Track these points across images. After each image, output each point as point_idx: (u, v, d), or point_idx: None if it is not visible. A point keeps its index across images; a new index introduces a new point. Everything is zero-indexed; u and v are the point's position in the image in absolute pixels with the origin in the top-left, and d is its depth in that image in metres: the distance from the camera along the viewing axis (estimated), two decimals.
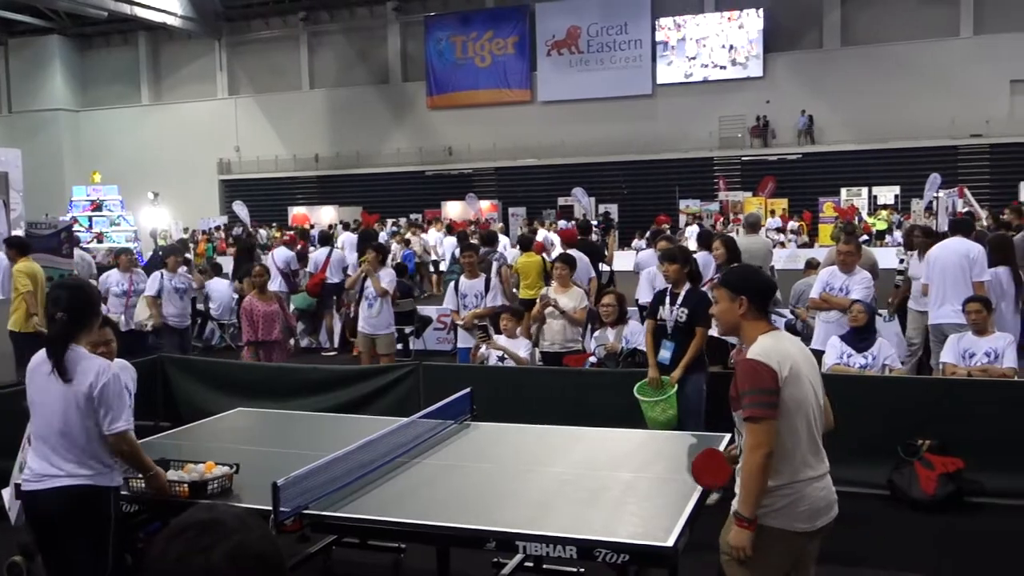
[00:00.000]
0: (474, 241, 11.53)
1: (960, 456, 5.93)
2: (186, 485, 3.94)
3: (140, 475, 3.88)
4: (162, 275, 9.10)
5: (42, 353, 3.68)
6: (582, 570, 4.40)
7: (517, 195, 32.95)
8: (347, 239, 15.29)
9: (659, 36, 32.87)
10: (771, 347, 3.27)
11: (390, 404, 6.82)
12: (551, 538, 3.32)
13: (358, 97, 35.77)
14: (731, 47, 31.95)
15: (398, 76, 36.13)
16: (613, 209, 30.45)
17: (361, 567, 5.01)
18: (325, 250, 12.37)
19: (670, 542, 3.22)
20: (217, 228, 29.48)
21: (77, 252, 12.88)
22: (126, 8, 31.18)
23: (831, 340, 6.96)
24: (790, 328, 9.96)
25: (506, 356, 7.35)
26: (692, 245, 10.21)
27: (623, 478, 4.06)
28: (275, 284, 12.49)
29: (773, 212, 28.46)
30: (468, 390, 5.26)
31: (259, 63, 37.31)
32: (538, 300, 7.77)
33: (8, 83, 39.51)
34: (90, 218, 24.52)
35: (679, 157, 31.74)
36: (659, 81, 32.96)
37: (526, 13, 34.16)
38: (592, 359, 7.18)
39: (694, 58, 32.50)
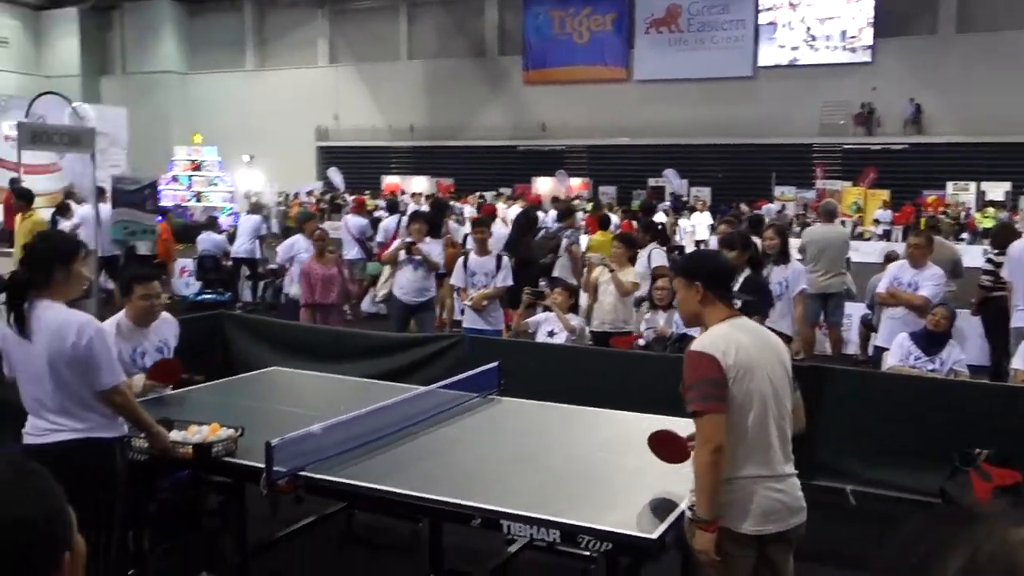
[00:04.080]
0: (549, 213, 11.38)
1: (1019, 470, 5.56)
2: (190, 447, 3.94)
3: (141, 433, 3.85)
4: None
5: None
6: (593, 566, 4.29)
7: (608, 174, 32.60)
8: (415, 209, 15.35)
9: (764, 17, 31.90)
10: (720, 336, 3.08)
11: (434, 374, 6.77)
12: (535, 520, 3.22)
13: (454, 69, 35.88)
14: (843, 33, 30.75)
15: (495, 50, 36.09)
16: (706, 193, 29.85)
17: (378, 533, 5.02)
18: (395, 218, 12.41)
19: (655, 534, 3.08)
20: (309, 192, 30.09)
21: (210, 237, 13.21)
22: None
23: (898, 338, 6.60)
24: (866, 323, 9.58)
25: (555, 332, 7.26)
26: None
27: (631, 465, 3.92)
28: (351, 252, 12.66)
29: (884, 204, 27.37)
30: (496, 364, 5.19)
31: (359, 32, 37.78)
32: (586, 266, 7.63)
33: (123, 45, 41.04)
34: (190, 177, 25.30)
35: (777, 142, 30.79)
36: (761, 63, 32.02)
37: None
38: (640, 342, 7.03)
39: (801, 40, 31.43)
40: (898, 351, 6.43)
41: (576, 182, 32.18)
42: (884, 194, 28.24)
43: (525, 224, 9.97)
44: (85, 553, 1.38)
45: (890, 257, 9.90)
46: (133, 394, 4.74)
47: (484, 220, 8.56)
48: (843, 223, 20.21)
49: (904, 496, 5.45)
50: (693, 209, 21.76)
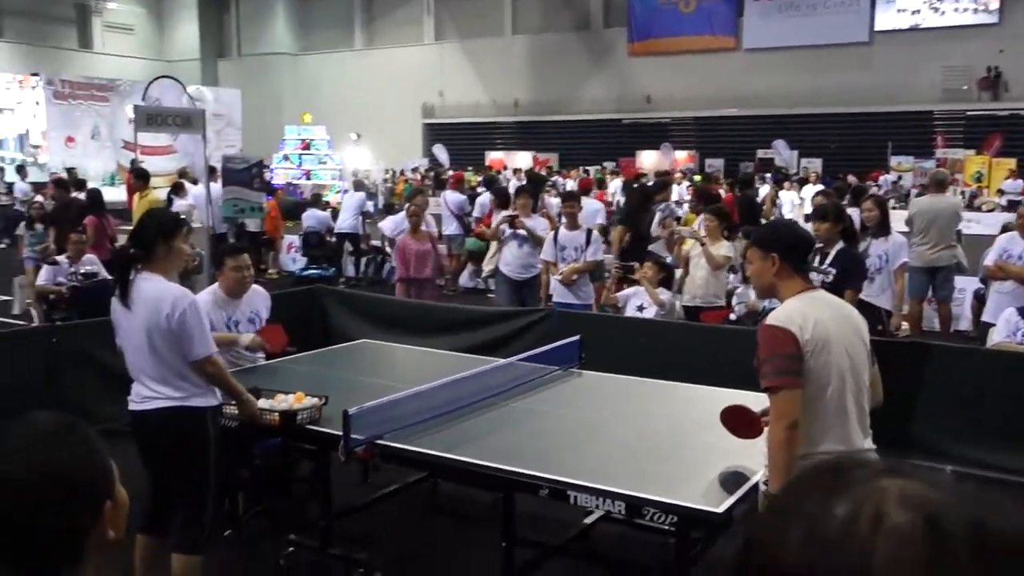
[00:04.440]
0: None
1: None
2: (277, 414, 4.11)
3: (232, 401, 4.02)
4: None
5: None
6: (672, 540, 4.27)
7: (715, 146, 31.90)
8: (513, 183, 15.40)
9: None
10: (796, 310, 3.00)
11: (522, 348, 6.82)
12: (601, 491, 3.24)
13: (559, 43, 35.68)
14: None
15: (599, 22, 35.69)
16: (817, 164, 28.88)
17: (462, 502, 5.11)
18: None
19: (721, 508, 3.06)
20: (414, 169, 30.55)
21: (314, 214, 13.66)
22: None
23: (1006, 313, 6.28)
24: (979, 298, 9.13)
25: (644, 306, 7.20)
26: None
27: (705, 439, 3.88)
28: (450, 227, 12.83)
29: (1011, 173, 25.79)
30: (577, 337, 5.20)
31: (464, 9, 37.95)
32: (675, 236, 7.51)
33: (239, 28, 42.45)
34: (300, 156, 26.04)
35: (895, 110, 29.43)
36: (878, 28, 30.63)
37: None
38: (732, 316, 6.90)
39: (922, 2, 29.89)
40: (1004, 327, 6.11)
41: (682, 155, 31.61)
42: (1010, 163, 26.68)
43: (641, 198, 9.85)
44: (127, 504, 1.47)
45: (1007, 228, 9.40)
46: (242, 346, 4.99)
47: (574, 194, 8.51)
48: (961, 193, 19.25)
49: (1006, 477, 5.22)
50: (805, 181, 21.08)
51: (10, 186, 19.18)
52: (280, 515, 4.97)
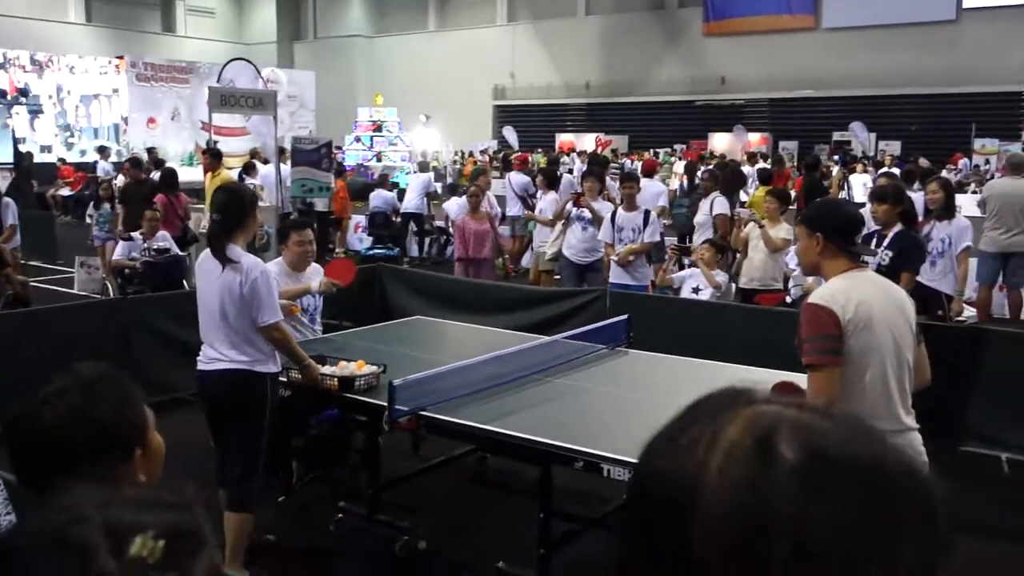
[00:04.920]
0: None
1: None
2: (336, 379, 4.30)
3: (296, 366, 4.24)
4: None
5: (205, 251, 4.07)
6: None
7: (790, 128, 31.27)
8: (577, 165, 15.36)
9: None
10: (839, 289, 3.00)
11: (577, 327, 6.87)
12: (633, 464, 3.29)
13: (632, 24, 35.33)
14: None
15: (674, 2, 35.21)
16: (895, 146, 28.12)
17: (509, 475, 5.21)
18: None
19: None
20: (483, 151, 30.69)
21: (381, 194, 13.87)
22: None
23: None
24: None
25: (700, 288, 7.19)
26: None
27: None
28: (514, 208, 12.91)
29: None
30: (625, 317, 5.24)
31: None
32: (735, 219, 7.46)
33: (315, 11, 43.12)
34: (371, 138, 26.39)
35: (980, 91, 28.41)
36: (966, 5, 29.54)
37: None
38: (788, 299, 6.84)
39: None
40: None
41: (755, 137, 31.07)
42: None
43: (733, 181, 9.80)
44: (162, 451, 1.60)
45: None
46: (314, 291, 5.21)
47: (633, 175, 8.49)
48: None
49: None
50: (879, 164, 20.58)
51: (93, 165, 19.96)
52: (333, 484, 5.15)
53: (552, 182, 9.44)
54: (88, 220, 12.23)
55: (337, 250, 14.20)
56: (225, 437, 4.12)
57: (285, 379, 4.34)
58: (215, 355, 4.03)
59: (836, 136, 29.30)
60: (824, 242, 3.12)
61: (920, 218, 7.24)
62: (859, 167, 19.99)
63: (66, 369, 1.52)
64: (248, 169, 13.42)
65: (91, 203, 11.75)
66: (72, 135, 27.38)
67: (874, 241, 5.75)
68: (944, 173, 23.67)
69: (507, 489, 5.12)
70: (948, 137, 27.67)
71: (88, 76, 28.05)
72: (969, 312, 8.27)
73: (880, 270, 5.71)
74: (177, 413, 6.25)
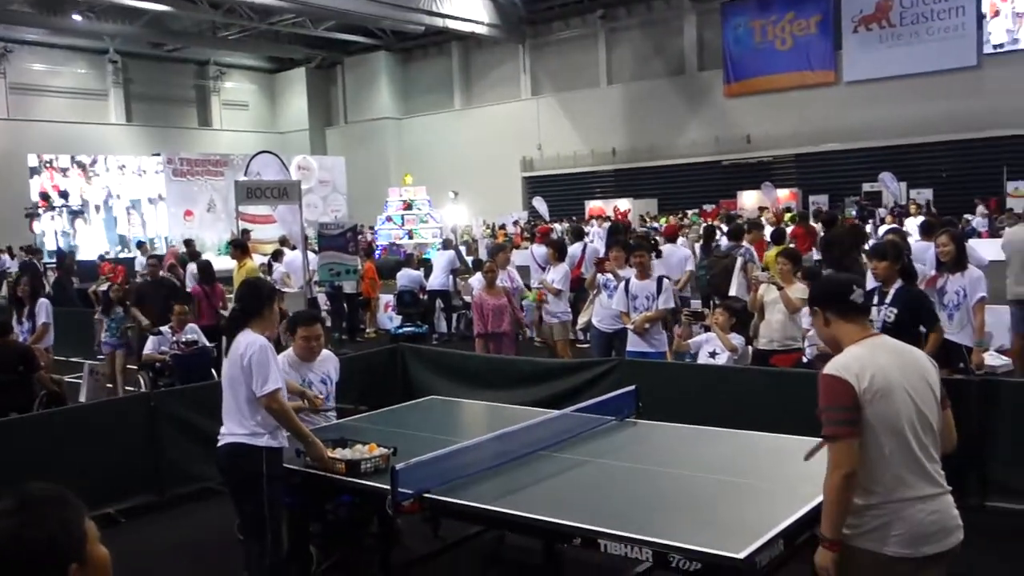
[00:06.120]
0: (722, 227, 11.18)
1: None
2: (343, 463, 4.38)
3: (300, 443, 4.36)
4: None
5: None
6: None
7: (818, 182, 31.28)
8: (596, 232, 15.49)
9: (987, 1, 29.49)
10: (854, 357, 3.01)
11: (594, 397, 6.92)
12: (629, 539, 3.32)
13: (654, 90, 35.87)
14: None
15: (694, 66, 35.71)
16: (927, 194, 27.95)
17: (528, 552, 5.20)
18: (580, 244, 12.65)
19: (742, 554, 3.09)
20: (515, 223, 31.04)
21: (407, 273, 13.97)
22: (439, 21, 33.79)
23: None
24: None
25: (716, 352, 7.19)
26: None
27: (743, 485, 3.90)
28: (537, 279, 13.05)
29: None
30: (633, 388, 5.27)
31: (559, 63, 38.66)
32: (752, 281, 7.48)
33: (345, 97, 44.42)
34: (403, 216, 26.87)
35: (1008, 134, 28.24)
36: (987, 50, 29.57)
37: None
38: (804, 359, 6.82)
39: None
40: None
41: (784, 193, 31.09)
42: None
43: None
44: (106, 561, 1.68)
45: None
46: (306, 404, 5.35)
47: (643, 244, 8.54)
48: None
49: None
50: (905, 213, 20.48)
51: (132, 260, 20.54)
52: (352, 568, 5.18)
53: (562, 253, 9.55)
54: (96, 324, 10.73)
55: (368, 330, 14.40)
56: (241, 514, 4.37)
57: (296, 467, 4.44)
58: (223, 430, 4.32)
59: (866, 187, 29.22)
60: (825, 314, 3.18)
61: (933, 271, 7.24)
62: (888, 218, 19.88)
63: (12, 489, 1.62)
64: (276, 255, 13.76)
65: (101, 307, 10.52)
66: (123, 248, 27.53)
67: (875, 298, 5.76)
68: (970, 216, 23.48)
69: (525, 566, 5.11)
70: (980, 181, 27.46)
71: (133, 175, 28.96)
72: (1003, 360, 8.15)
73: (887, 328, 5.71)
74: (203, 504, 6.38)
